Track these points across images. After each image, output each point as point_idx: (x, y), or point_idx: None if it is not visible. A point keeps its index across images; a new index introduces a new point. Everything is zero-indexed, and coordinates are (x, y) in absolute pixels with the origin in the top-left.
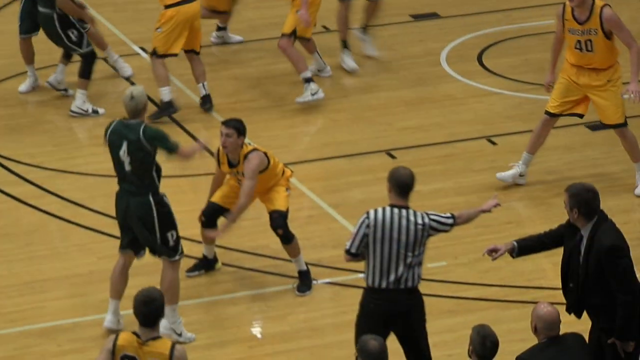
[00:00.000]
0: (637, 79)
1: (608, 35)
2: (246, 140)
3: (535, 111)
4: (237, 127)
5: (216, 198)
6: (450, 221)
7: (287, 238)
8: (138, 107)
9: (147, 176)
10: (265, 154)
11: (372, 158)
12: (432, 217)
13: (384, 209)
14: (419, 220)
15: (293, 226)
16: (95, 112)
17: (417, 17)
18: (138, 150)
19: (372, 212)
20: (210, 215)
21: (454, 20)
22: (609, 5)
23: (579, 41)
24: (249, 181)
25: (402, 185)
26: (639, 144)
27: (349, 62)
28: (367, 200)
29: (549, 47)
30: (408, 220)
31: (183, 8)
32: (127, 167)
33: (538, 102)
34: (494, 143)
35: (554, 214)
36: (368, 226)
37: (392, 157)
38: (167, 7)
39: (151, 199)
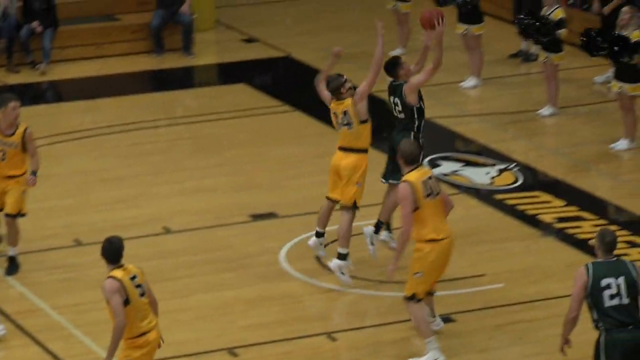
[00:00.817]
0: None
1: None
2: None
3: (372, 309)
4: None
5: None
6: None
7: None
8: None
9: None
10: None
11: (214, 357)
12: None
13: None
14: None
15: None
16: None
17: (256, 217)
18: None
19: None
20: None
21: (292, 220)
22: None
23: None
24: None
25: None
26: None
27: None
28: None
29: (386, 244)
30: None
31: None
32: None
33: (375, 298)
34: (334, 339)
35: None
36: None
37: (234, 355)
38: None
39: None
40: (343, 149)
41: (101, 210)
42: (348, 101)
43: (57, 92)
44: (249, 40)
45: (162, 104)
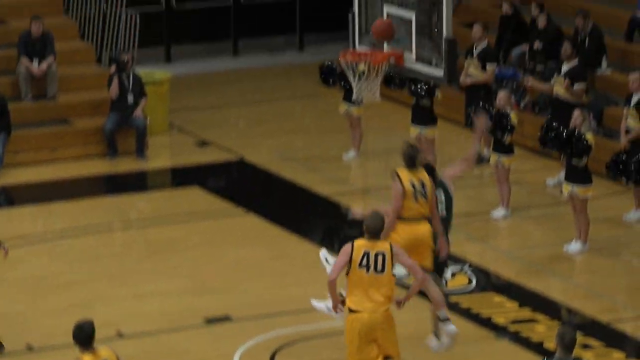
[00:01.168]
0: None
1: None
2: None
3: None
4: None
5: None
6: None
7: None
8: None
9: None
10: None
11: None
12: None
13: None
14: None
15: None
16: None
17: (211, 321)
18: None
19: None
20: None
21: (247, 323)
22: None
23: None
24: None
25: None
26: None
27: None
28: None
29: (339, 347)
30: None
31: None
32: None
33: None
34: None
35: None
36: None
37: None
38: None
39: None
40: (420, 218)
41: (54, 315)
42: (423, 172)
43: (10, 197)
44: (202, 143)
45: (116, 207)
